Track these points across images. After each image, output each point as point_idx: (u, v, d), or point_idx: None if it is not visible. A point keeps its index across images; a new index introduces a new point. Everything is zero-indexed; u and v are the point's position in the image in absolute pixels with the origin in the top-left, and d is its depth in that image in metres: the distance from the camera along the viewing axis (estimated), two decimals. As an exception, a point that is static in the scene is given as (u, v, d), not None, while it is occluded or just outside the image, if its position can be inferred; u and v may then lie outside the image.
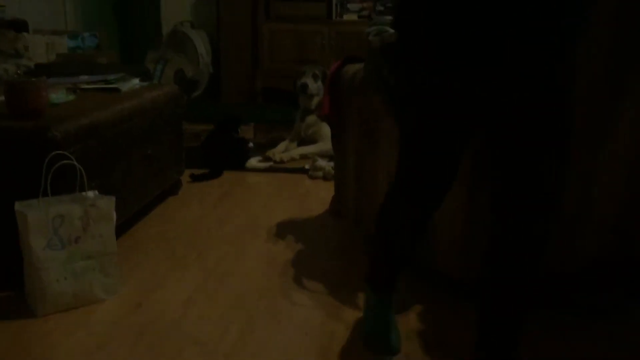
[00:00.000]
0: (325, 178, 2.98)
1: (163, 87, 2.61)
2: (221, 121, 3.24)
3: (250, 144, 3.15)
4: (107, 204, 1.81)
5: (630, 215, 1.61)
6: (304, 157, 3.30)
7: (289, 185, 2.92)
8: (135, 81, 2.56)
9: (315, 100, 3.39)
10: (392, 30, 1.71)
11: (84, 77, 2.58)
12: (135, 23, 5.10)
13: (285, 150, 3.38)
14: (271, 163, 3.20)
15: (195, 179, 2.91)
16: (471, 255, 1.63)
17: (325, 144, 3.23)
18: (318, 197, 2.75)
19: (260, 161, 3.23)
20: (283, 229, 2.36)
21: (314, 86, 3.32)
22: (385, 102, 1.70)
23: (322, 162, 3.05)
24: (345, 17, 4.59)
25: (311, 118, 3.44)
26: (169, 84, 2.98)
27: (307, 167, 3.12)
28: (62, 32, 3.90)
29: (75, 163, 1.76)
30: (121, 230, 2.25)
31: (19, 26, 3.38)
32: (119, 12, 5.11)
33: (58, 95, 2.20)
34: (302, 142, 3.50)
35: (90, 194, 1.83)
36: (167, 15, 4.90)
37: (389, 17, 1.76)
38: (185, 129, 2.76)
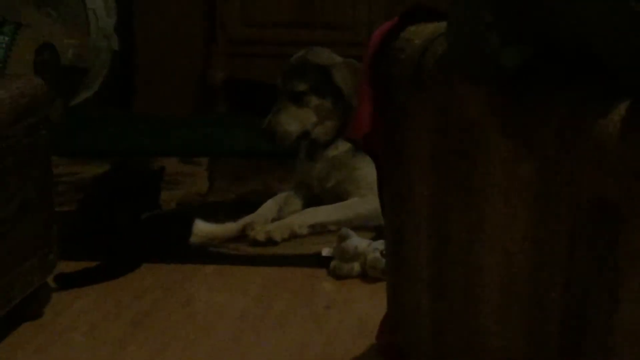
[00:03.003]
0: (366, 274, 2.22)
1: (11, 80, 2.07)
2: (121, 168, 2.46)
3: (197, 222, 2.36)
4: None
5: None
6: (318, 230, 2.44)
7: (289, 295, 2.19)
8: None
9: (321, 132, 2.53)
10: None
11: None
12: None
13: (278, 218, 2.46)
14: (241, 224, 2.38)
15: (65, 282, 2.12)
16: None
17: (366, 202, 2.41)
18: (352, 317, 2.06)
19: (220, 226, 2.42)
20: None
21: (293, 125, 2.48)
22: (496, 103, 1.41)
23: (358, 241, 2.23)
24: None
25: (331, 152, 2.51)
26: (23, 74, 2.61)
27: (326, 252, 2.31)
28: None
29: None
30: None
31: None
32: None
33: None
34: (315, 198, 2.56)
35: None
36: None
37: None
38: (59, 171, 2.51)
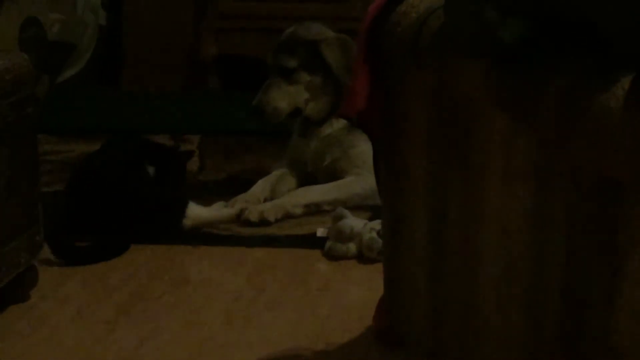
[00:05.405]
0: (362, 256, 2.21)
1: (-5, 57, 2.14)
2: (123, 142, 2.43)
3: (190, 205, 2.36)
4: None
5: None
6: (313, 210, 2.41)
7: (283, 276, 2.18)
8: None
9: (314, 109, 2.49)
10: None
11: None
12: None
13: (271, 198, 2.43)
14: (237, 210, 2.35)
15: (67, 255, 2.16)
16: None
17: (362, 181, 2.39)
18: (347, 300, 2.07)
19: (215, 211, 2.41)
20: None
21: (283, 102, 2.43)
22: (494, 77, 1.40)
23: (354, 221, 2.23)
24: None
25: (326, 130, 2.48)
26: (8, 50, 2.52)
27: (320, 233, 2.32)
28: None
29: None
30: None
31: None
32: None
33: None
34: (309, 176, 2.51)
35: None
36: None
37: None
38: (45, 150, 2.55)
